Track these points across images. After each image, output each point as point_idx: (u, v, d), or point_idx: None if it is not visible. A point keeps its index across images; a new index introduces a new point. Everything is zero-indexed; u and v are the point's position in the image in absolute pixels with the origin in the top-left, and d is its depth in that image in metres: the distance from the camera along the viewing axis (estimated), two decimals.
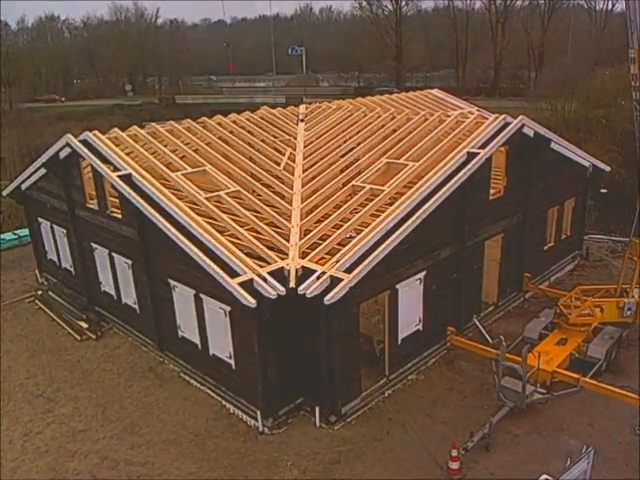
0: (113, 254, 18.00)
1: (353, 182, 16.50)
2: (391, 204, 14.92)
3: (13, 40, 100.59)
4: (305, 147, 19.20)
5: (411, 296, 15.23)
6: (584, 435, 13.17)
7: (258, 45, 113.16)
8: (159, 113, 65.63)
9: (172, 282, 15.51)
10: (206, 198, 15.50)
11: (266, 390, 13.60)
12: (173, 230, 14.15)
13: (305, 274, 12.88)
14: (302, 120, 21.57)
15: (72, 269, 20.89)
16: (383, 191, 15.47)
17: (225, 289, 12.73)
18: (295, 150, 19.10)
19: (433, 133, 18.36)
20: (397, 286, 14.69)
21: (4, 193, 22.63)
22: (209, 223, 14.62)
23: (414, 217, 14.19)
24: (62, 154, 18.39)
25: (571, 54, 66.81)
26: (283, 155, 18.85)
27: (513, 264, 19.02)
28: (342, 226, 14.62)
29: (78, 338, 18.63)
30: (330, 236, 14.31)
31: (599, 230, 26.80)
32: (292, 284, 12.71)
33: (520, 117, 17.65)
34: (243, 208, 15.60)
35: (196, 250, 13.57)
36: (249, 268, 13.02)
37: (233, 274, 12.83)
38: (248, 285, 12.49)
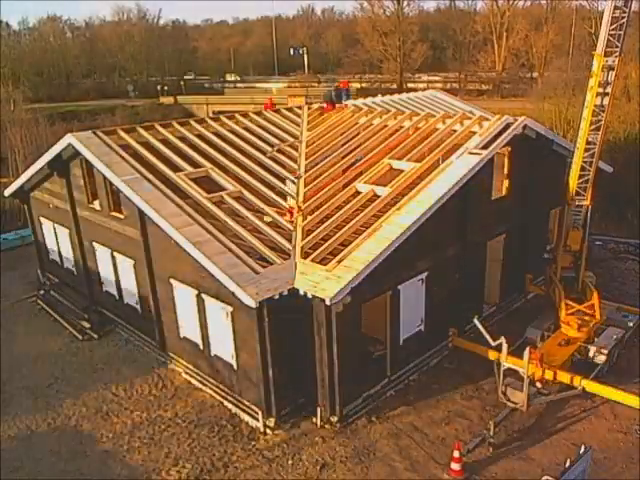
0: (115, 254, 18.02)
1: (355, 183, 16.51)
2: (393, 205, 14.92)
3: (15, 40, 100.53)
4: (307, 148, 19.21)
5: (413, 296, 15.22)
6: (585, 435, 13.16)
7: (260, 46, 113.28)
8: (161, 113, 65.63)
9: (174, 282, 15.53)
10: (208, 199, 15.52)
11: (267, 391, 13.58)
12: (175, 230, 14.15)
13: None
14: (304, 121, 21.58)
15: (74, 269, 20.93)
16: (384, 192, 15.48)
17: (227, 289, 12.75)
18: (297, 151, 19.12)
19: (435, 134, 18.34)
20: (399, 286, 14.68)
21: (6, 193, 22.62)
22: (211, 223, 14.63)
23: (416, 218, 14.19)
24: (65, 154, 18.42)
25: (573, 55, 66.63)
26: (285, 156, 18.86)
27: (515, 265, 19.00)
28: (344, 227, 14.64)
29: (80, 338, 18.66)
30: (332, 237, 14.32)
31: (601, 231, 26.66)
32: (294, 284, 12.71)
33: (522, 118, 17.64)
34: (245, 208, 15.62)
35: (198, 250, 13.58)
36: (251, 268, 13.03)
37: (235, 274, 12.83)
38: (250, 285, 12.49)
